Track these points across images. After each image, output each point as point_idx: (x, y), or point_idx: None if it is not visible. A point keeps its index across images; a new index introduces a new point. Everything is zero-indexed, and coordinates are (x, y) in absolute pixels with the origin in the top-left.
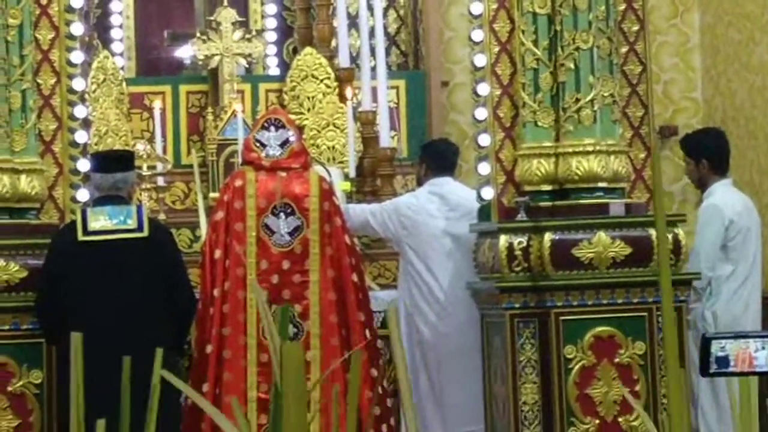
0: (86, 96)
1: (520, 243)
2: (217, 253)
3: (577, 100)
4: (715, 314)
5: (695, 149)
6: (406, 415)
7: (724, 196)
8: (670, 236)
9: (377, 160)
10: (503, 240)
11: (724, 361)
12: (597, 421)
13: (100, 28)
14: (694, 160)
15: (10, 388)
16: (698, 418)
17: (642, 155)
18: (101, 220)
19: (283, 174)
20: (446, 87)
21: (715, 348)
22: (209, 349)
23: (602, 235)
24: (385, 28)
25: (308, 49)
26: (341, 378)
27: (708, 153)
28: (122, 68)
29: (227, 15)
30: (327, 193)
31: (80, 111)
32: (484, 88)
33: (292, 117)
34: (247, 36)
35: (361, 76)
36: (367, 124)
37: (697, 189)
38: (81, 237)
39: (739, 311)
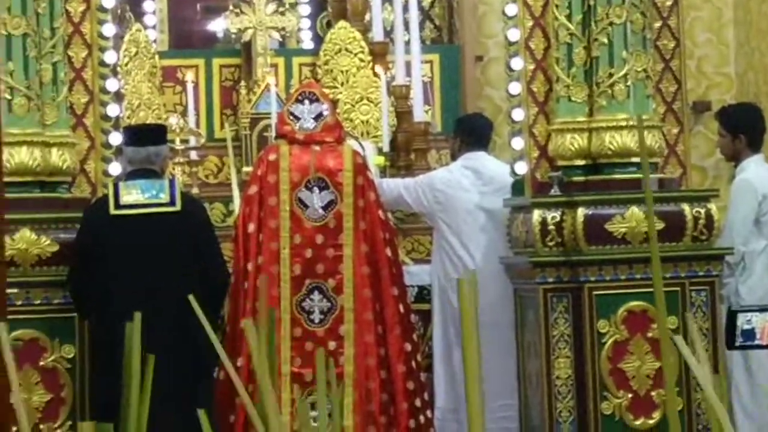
0: (118, 69)
1: (553, 218)
2: (251, 228)
3: (611, 75)
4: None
5: (733, 123)
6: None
7: (757, 172)
8: (702, 211)
9: (411, 135)
10: (537, 215)
11: (750, 334)
12: (630, 395)
13: (133, 1)
14: (731, 134)
15: (42, 363)
16: (731, 391)
17: (675, 130)
18: (133, 194)
19: (317, 148)
20: (480, 61)
21: (741, 321)
22: (243, 323)
23: (635, 210)
24: (419, 2)
25: (342, 23)
26: (375, 352)
27: (746, 128)
28: (155, 41)
29: None
30: (361, 167)
31: (112, 84)
32: (517, 63)
33: (326, 91)
34: (281, 9)
35: (395, 50)
36: (401, 99)
37: (728, 162)
38: (113, 211)
39: None
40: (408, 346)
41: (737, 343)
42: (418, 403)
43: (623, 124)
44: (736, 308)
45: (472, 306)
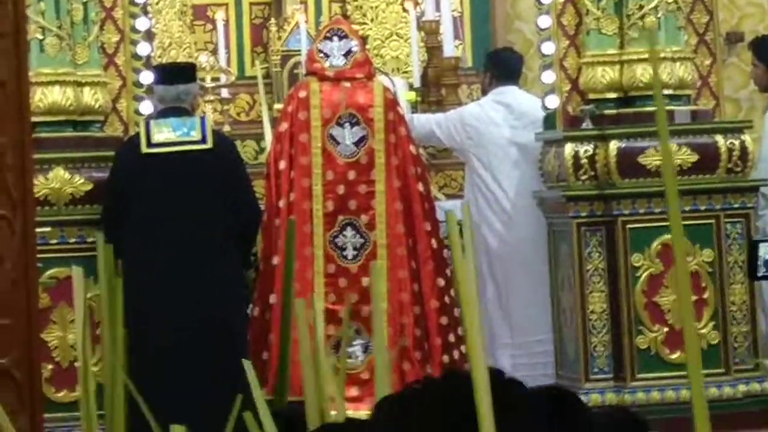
0: (148, 8)
1: (585, 151)
2: (282, 165)
3: (641, 7)
4: None
5: (767, 53)
6: (465, 321)
7: None
8: (737, 143)
9: (441, 70)
10: (569, 148)
11: None
12: (665, 329)
13: None
14: (764, 64)
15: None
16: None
17: (707, 62)
18: (165, 133)
19: (347, 84)
20: None
21: (763, 251)
22: (275, 260)
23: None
24: None
25: None
26: (408, 288)
27: None
28: None
29: None
30: (391, 103)
31: (142, 23)
32: None
33: (356, 27)
34: None
35: None
36: (431, 34)
37: (762, 93)
38: (145, 149)
39: None
40: (441, 282)
41: (760, 274)
42: (452, 338)
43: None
44: (758, 238)
45: (468, 238)
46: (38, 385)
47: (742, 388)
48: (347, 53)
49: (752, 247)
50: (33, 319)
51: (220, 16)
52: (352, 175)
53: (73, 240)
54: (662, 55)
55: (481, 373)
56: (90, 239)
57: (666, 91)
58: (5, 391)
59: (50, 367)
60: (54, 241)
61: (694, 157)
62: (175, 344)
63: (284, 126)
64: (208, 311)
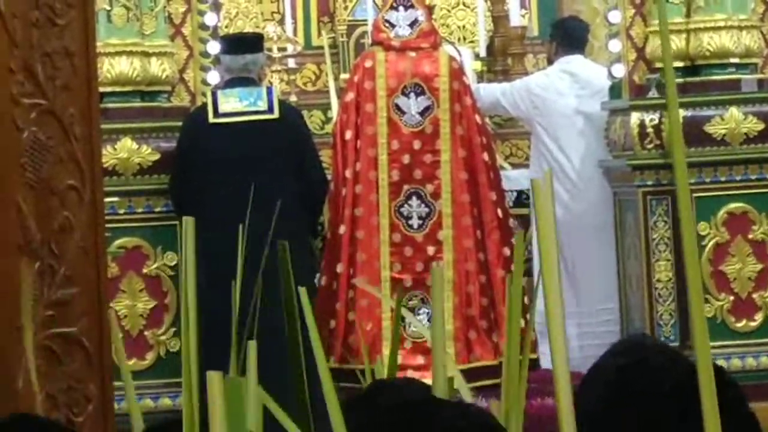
0: None
1: (651, 120)
2: (348, 134)
3: None
4: None
5: None
6: (546, 296)
7: None
8: None
9: (508, 39)
10: (635, 117)
11: None
12: (731, 298)
13: None
14: None
15: (145, 270)
16: None
17: None
18: (232, 102)
19: (413, 54)
20: None
21: None
22: (342, 229)
23: (734, 111)
24: None
25: None
26: (474, 257)
27: None
28: None
29: None
30: (457, 72)
31: None
32: None
33: None
34: None
35: None
36: (498, 3)
37: None
38: (212, 119)
39: None
40: (507, 251)
41: None
42: None
43: (721, 24)
44: None
45: (548, 206)
46: (108, 353)
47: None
48: (413, 23)
49: None
50: (102, 288)
51: None
52: (417, 144)
53: (140, 210)
54: (729, 23)
55: (561, 350)
56: (157, 209)
57: (732, 60)
58: (75, 360)
59: (120, 336)
60: (122, 211)
61: (761, 126)
62: (242, 313)
63: (350, 96)
64: (277, 282)
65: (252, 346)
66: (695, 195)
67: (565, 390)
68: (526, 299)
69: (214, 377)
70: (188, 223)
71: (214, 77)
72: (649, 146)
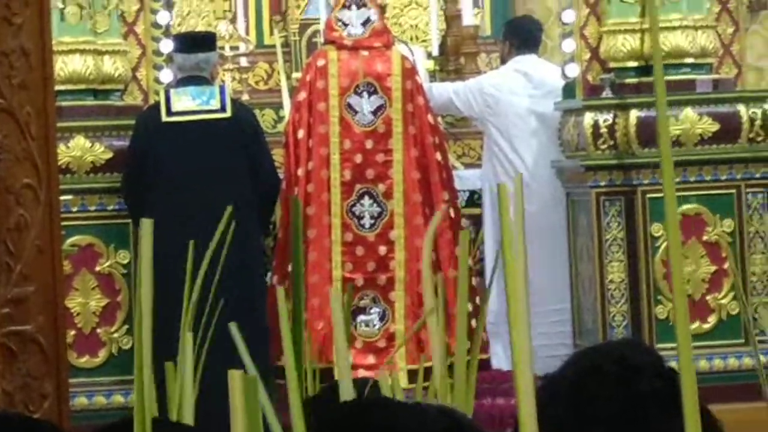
0: None
1: (605, 120)
2: (301, 133)
3: None
4: None
5: None
6: (510, 298)
7: None
8: (759, 112)
9: (460, 39)
10: (588, 118)
11: None
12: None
13: None
14: None
15: (98, 268)
16: None
17: (730, 30)
18: (184, 101)
19: (366, 53)
20: None
21: None
22: None
23: (689, 112)
24: None
25: None
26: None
27: None
28: None
29: None
30: (409, 71)
31: None
32: None
33: None
34: None
35: None
36: (451, 2)
37: None
38: (165, 118)
39: None
40: (459, 251)
41: None
42: (469, 307)
43: (677, 24)
44: None
45: (515, 212)
46: (63, 351)
47: (762, 359)
48: (365, 22)
49: None
50: (58, 286)
51: None
52: (369, 144)
53: (93, 208)
54: (684, 23)
55: (524, 351)
56: (110, 207)
57: (688, 60)
58: (31, 357)
59: (72, 333)
60: (75, 209)
61: (716, 127)
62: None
63: (303, 95)
64: (228, 280)
65: (188, 339)
66: (649, 196)
67: (526, 391)
68: (477, 299)
69: (235, 375)
70: (145, 224)
71: (166, 76)
72: (603, 147)
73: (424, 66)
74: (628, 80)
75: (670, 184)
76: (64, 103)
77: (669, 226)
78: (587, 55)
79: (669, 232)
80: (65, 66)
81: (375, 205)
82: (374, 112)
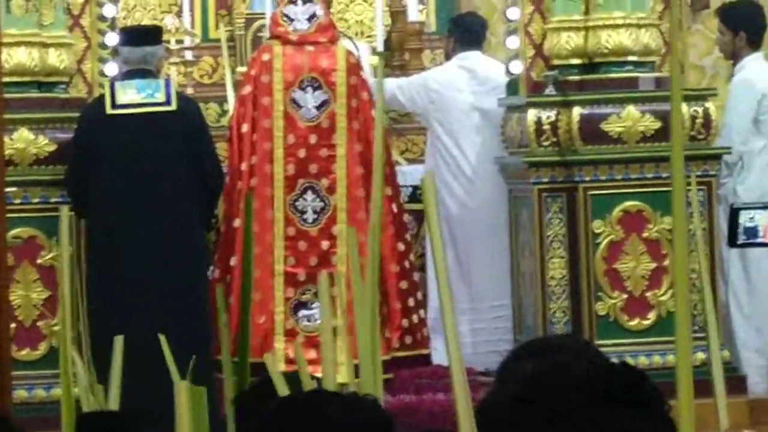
0: None
1: (548, 117)
2: (245, 128)
3: None
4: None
5: (734, 21)
6: (440, 293)
7: (757, 70)
8: (700, 110)
9: (405, 35)
10: (532, 114)
11: (752, 231)
12: (625, 296)
13: None
14: (731, 31)
15: (39, 261)
16: (728, 293)
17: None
18: (130, 94)
19: (311, 48)
20: None
21: (744, 218)
22: (237, 222)
23: (632, 110)
24: None
25: None
26: (367, 252)
27: (746, 25)
28: None
29: None
30: (354, 67)
31: None
32: None
33: None
34: None
35: None
36: None
37: (727, 61)
38: (110, 110)
39: None
40: (401, 246)
41: (739, 241)
42: (411, 302)
43: (620, 22)
44: (739, 206)
45: (435, 207)
46: (6, 343)
47: (700, 356)
48: (311, 17)
49: (733, 214)
50: (2, 278)
51: None
52: (313, 139)
53: (36, 200)
54: (627, 21)
55: (456, 346)
56: (53, 199)
57: (631, 58)
58: None
59: (13, 326)
60: (17, 201)
61: (658, 124)
62: (138, 305)
63: (247, 89)
64: (171, 272)
65: (119, 341)
66: (590, 193)
67: (461, 384)
68: (419, 294)
69: (182, 387)
70: (63, 211)
71: (111, 69)
72: (546, 143)
73: (368, 62)
74: (572, 77)
75: (681, 200)
76: (8, 95)
77: (675, 218)
78: (531, 52)
79: (675, 220)
80: (10, 58)
81: (318, 200)
82: (318, 107)
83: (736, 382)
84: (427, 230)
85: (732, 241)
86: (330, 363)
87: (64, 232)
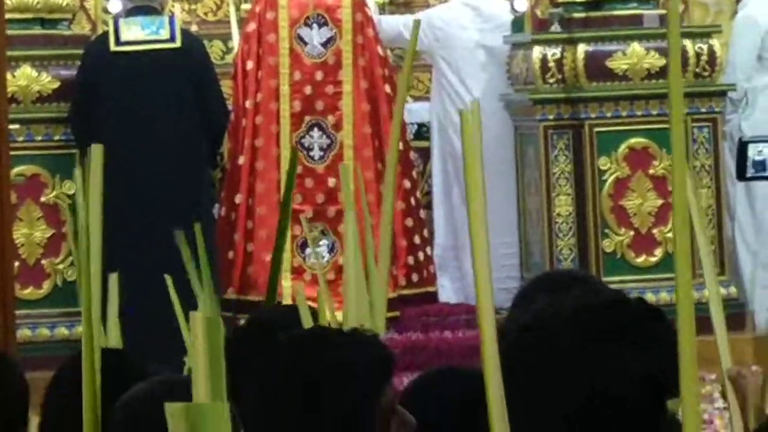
0: None
1: (553, 54)
2: (250, 65)
3: None
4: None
5: None
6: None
7: (760, 6)
8: (705, 47)
9: None
10: (537, 51)
11: (761, 164)
12: (631, 233)
13: None
14: None
15: (43, 199)
16: (734, 229)
17: None
18: (134, 31)
19: None
20: None
21: (753, 152)
22: (242, 160)
23: (636, 46)
24: None
25: None
26: (374, 189)
27: None
28: None
29: None
30: (359, 3)
31: None
32: None
33: None
34: None
35: None
36: None
37: None
38: (113, 47)
39: None
40: (407, 183)
41: (748, 174)
42: (417, 239)
43: None
44: (748, 139)
45: (476, 140)
46: (11, 282)
47: (706, 293)
48: None
49: (741, 148)
50: (6, 216)
51: None
52: (319, 75)
53: (39, 138)
54: None
55: (486, 285)
56: (56, 137)
57: None
58: None
59: (16, 264)
60: (21, 139)
61: (662, 61)
62: (143, 240)
63: (252, 26)
64: (177, 208)
65: (113, 279)
66: (596, 130)
67: (488, 320)
68: (425, 232)
69: (197, 318)
70: (95, 150)
71: (115, 5)
72: (551, 80)
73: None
74: (576, 15)
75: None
76: (11, 32)
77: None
78: None
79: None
80: None
81: (324, 136)
82: (324, 44)
83: (743, 319)
84: (436, 165)
85: (741, 175)
86: (352, 302)
87: (97, 168)
